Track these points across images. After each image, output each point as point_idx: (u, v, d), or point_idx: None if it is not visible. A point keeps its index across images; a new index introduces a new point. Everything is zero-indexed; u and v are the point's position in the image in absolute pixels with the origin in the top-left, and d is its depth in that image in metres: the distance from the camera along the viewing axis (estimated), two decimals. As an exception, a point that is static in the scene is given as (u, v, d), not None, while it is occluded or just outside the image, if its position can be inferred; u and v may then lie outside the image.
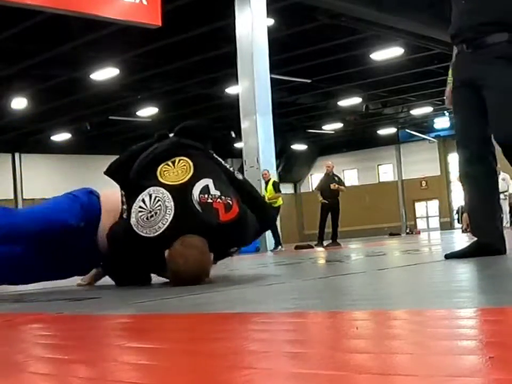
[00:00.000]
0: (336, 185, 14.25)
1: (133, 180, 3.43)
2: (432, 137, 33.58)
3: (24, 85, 18.81)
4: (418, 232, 28.55)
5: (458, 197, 27.25)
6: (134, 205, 3.23)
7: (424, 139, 33.79)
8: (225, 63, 16.29)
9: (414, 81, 21.81)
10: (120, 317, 2.09)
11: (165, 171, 3.31)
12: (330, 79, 21.29)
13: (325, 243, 14.11)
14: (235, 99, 14.56)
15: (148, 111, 24.09)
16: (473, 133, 3.60)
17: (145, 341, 1.48)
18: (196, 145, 3.52)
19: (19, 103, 20.53)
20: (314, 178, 32.44)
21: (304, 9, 14.64)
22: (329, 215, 14.36)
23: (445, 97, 3.95)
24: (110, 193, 3.66)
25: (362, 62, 19.67)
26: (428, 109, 28.55)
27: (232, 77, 15.26)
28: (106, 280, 3.91)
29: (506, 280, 2.50)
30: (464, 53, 3.64)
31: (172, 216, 3.12)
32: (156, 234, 3.12)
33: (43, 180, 28.30)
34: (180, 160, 3.35)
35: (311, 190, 31.49)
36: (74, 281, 3.86)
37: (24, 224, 3.43)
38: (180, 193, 3.19)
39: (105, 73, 18.33)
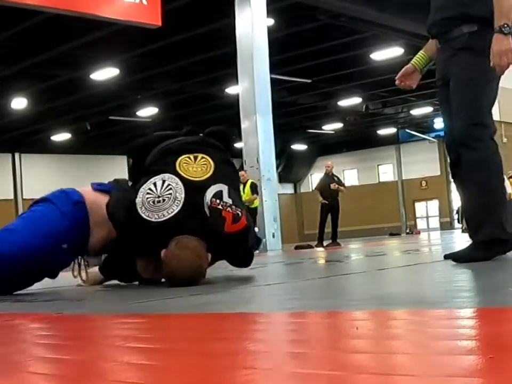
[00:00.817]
0: (336, 185, 14.26)
1: (149, 164, 3.36)
2: (432, 137, 33.58)
3: (24, 85, 18.81)
4: (418, 232, 28.54)
5: (458, 197, 27.23)
6: (144, 185, 3.18)
7: (424, 139, 33.79)
8: (225, 63, 16.28)
9: (414, 81, 21.76)
10: (120, 317, 2.09)
11: (184, 163, 3.26)
12: (330, 79, 21.29)
13: (325, 243, 14.11)
14: (235, 99, 14.55)
15: (147, 111, 24.09)
16: (454, 134, 3.48)
17: (145, 341, 1.48)
18: (221, 147, 3.48)
19: (19, 103, 20.52)
20: (314, 178, 32.44)
21: (304, 9, 14.63)
22: (329, 215, 14.36)
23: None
24: (95, 198, 3.45)
25: (362, 62, 19.67)
26: (427, 109, 28.55)
27: (232, 77, 15.24)
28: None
29: (506, 280, 2.50)
30: (438, 49, 3.59)
31: (178, 208, 3.08)
32: (157, 220, 3.07)
33: (43, 179, 28.28)
34: (201, 158, 3.30)
35: (311, 190, 31.50)
36: (74, 281, 3.86)
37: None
38: (194, 190, 3.14)
39: (105, 73, 18.32)
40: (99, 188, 3.52)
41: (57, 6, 10.29)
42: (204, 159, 3.29)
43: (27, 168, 28.54)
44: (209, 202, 3.12)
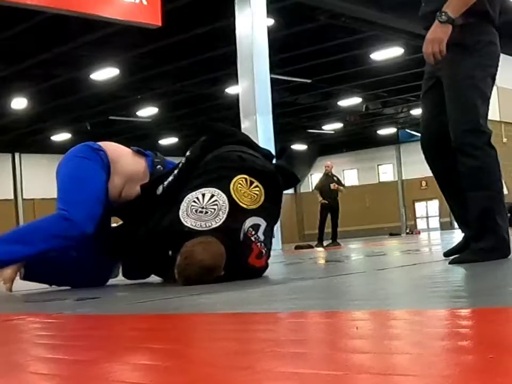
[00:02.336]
0: (336, 185, 14.26)
1: (209, 167, 3.38)
2: (432, 137, 33.54)
3: (24, 85, 18.80)
4: (418, 232, 28.52)
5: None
6: (193, 193, 3.23)
7: (424, 139, 33.74)
8: (225, 63, 16.28)
9: (414, 81, 21.77)
10: (120, 317, 2.09)
11: (239, 184, 3.26)
12: (330, 79, 21.27)
13: (324, 243, 14.11)
14: (235, 99, 14.55)
15: (147, 111, 24.08)
16: (430, 130, 3.47)
17: (145, 341, 1.48)
18: (279, 185, 3.48)
19: (19, 103, 20.50)
20: (314, 178, 32.42)
21: (304, 9, 14.62)
22: (329, 215, 14.36)
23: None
24: (117, 150, 3.68)
25: (362, 62, 19.65)
26: (428, 109, 28.50)
27: (232, 77, 15.24)
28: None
29: (506, 280, 2.49)
30: None
31: (216, 225, 3.12)
32: (192, 226, 3.11)
33: (43, 180, 28.26)
34: (256, 186, 3.30)
35: (311, 190, 31.51)
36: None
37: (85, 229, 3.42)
38: (237, 213, 3.17)
39: (105, 73, 18.31)
40: (135, 149, 3.75)
41: (57, 6, 10.28)
42: (257, 188, 3.30)
43: (27, 168, 28.53)
44: (245, 230, 3.16)
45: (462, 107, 3.29)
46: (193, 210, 3.16)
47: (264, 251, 3.24)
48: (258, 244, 3.19)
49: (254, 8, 13.16)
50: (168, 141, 28.48)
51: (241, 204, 3.20)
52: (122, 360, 1.24)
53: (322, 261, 6.01)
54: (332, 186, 14.16)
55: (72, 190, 3.51)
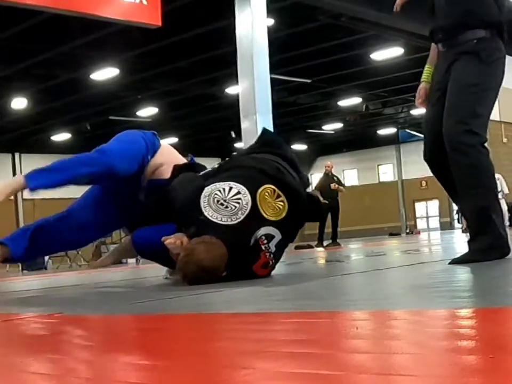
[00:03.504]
0: (336, 186, 14.26)
1: (244, 163, 3.44)
2: (432, 137, 33.49)
3: (24, 85, 18.79)
4: (418, 232, 28.53)
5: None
6: (222, 182, 3.24)
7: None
8: (225, 63, 16.27)
9: (414, 81, 21.71)
10: (120, 317, 2.09)
11: (265, 194, 3.26)
12: (330, 79, 21.27)
13: (325, 243, 14.11)
14: (235, 99, 14.54)
15: (147, 111, 24.08)
16: (431, 132, 3.51)
17: (145, 341, 1.48)
18: (303, 209, 3.47)
19: (19, 103, 20.48)
20: (314, 178, 32.43)
21: (304, 9, 14.62)
22: (329, 215, 14.35)
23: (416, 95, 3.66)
24: (169, 147, 3.80)
25: (362, 62, 19.65)
26: (428, 109, 28.45)
27: (232, 77, 15.23)
28: (107, 279, 3.91)
29: (506, 280, 2.49)
30: (440, 52, 3.55)
31: (231, 223, 3.12)
32: (208, 216, 3.12)
33: (43, 180, 28.26)
34: (281, 200, 3.30)
35: (310, 190, 31.48)
36: (74, 281, 3.86)
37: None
38: (254, 218, 3.17)
39: (105, 73, 18.31)
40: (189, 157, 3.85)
41: (57, 6, 10.28)
42: (282, 203, 3.30)
43: (27, 168, 28.27)
44: (257, 236, 3.16)
45: (461, 109, 3.32)
46: (215, 200, 3.16)
47: (271, 262, 3.24)
48: (267, 254, 3.18)
49: (254, 8, 13.15)
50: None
51: (262, 212, 3.20)
52: (122, 360, 1.24)
53: (322, 261, 6.02)
54: (332, 186, 14.16)
55: (113, 143, 3.61)
